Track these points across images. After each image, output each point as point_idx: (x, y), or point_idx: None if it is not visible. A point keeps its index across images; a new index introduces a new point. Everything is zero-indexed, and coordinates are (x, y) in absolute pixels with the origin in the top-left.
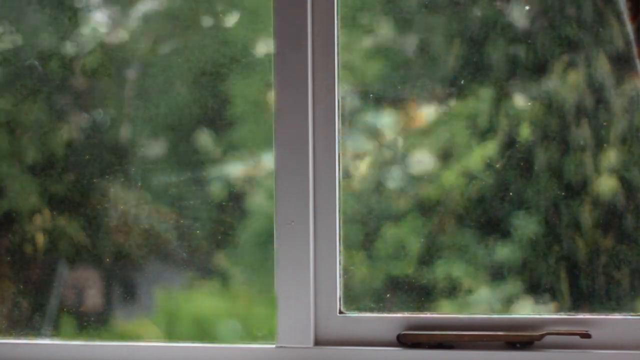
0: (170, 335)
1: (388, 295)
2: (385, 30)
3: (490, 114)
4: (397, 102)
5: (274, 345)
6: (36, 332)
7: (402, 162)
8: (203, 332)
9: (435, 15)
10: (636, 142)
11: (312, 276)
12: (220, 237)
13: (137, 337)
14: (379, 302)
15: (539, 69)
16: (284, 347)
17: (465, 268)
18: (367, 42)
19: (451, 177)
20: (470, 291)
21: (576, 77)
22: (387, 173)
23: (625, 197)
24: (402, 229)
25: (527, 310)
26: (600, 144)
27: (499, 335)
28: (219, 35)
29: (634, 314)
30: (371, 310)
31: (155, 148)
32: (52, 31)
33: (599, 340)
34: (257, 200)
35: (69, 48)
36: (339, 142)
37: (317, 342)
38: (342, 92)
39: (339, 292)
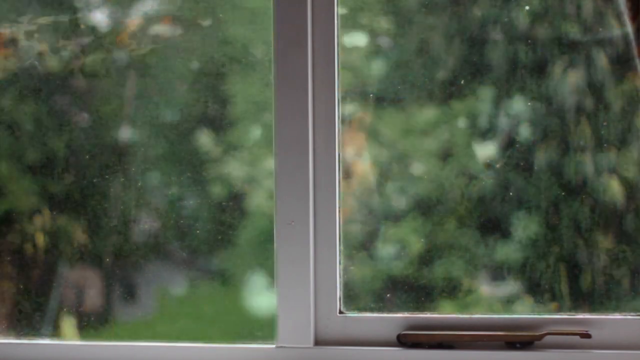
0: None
1: (388, 295)
2: (385, 30)
3: (490, 114)
4: (397, 102)
5: (274, 345)
6: (36, 332)
7: (402, 162)
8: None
9: (435, 15)
10: (636, 142)
11: (312, 276)
12: (220, 237)
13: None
14: (379, 302)
15: (539, 69)
16: (284, 347)
17: (465, 268)
18: (367, 42)
19: (451, 177)
20: (470, 291)
21: (576, 77)
22: (387, 173)
23: (625, 197)
24: (402, 229)
25: (527, 310)
26: (600, 144)
27: (499, 335)
28: (219, 35)
29: (634, 314)
30: (371, 310)
31: (156, 148)
32: (52, 31)
33: (599, 340)
34: (257, 200)
35: (69, 48)
36: (339, 142)
37: (317, 342)
38: (342, 92)
39: (339, 292)
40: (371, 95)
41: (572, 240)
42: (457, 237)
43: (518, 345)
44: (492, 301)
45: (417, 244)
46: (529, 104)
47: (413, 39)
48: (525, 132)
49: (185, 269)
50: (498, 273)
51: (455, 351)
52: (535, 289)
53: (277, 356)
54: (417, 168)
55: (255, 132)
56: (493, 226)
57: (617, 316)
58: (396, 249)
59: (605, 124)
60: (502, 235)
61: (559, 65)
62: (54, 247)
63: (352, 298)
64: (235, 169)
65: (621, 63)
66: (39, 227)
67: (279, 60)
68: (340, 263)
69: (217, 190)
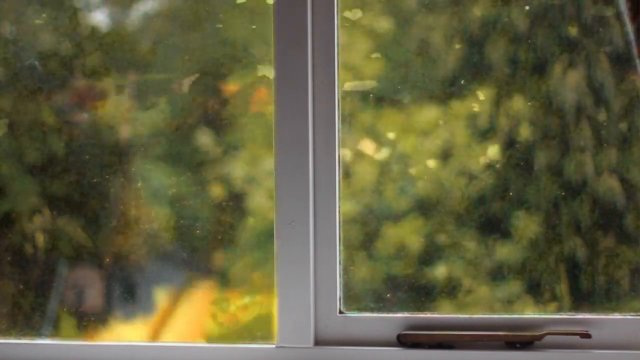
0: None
1: (388, 295)
2: (385, 30)
3: (490, 114)
4: (397, 102)
5: (274, 345)
6: (36, 332)
7: (402, 162)
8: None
9: (435, 15)
10: (636, 142)
11: (312, 276)
12: (220, 237)
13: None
14: (379, 302)
15: (539, 69)
16: (284, 347)
17: (465, 268)
18: (367, 42)
19: (451, 177)
20: (470, 291)
21: (576, 77)
22: (387, 173)
23: (625, 197)
24: (402, 229)
25: (527, 310)
26: (600, 144)
27: (499, 335)
28: (219, 35)
29: (634, 314)
30: (371, 310)
31: (155, 148)
32: (52, 31)
33: (599, 340)
34: (257, 200)
35: (69, 48)
36: (339, 142)
37: (317, 342)
38: (342, 92)
39: (339, 292)
40: (371, 95)
41: (572, 240)
42: (457, 237)
43: (518, 345)
44: (492, 301)
45: (417, 244)
46: (529, 104)
47: (413, 39)
48: (525, 132)
49: (185, 269)
50: (498, 273)
51: (455, 351)
52: (535, 289)
53: (277, 356)
54: (417, 168)
55: (255, 132)
56: (493, 226)
57: (617, 316)
58: (396, 249)
59: (605, 124)
60: (502, 235)
61: (559, 65)
62: (54, 247)
63: (352, 298)
64: (235, 169)
65: (621, 63)
66: (39, 227)
67: (279, 60)
68: (340, 263)
69: (217, 190)
